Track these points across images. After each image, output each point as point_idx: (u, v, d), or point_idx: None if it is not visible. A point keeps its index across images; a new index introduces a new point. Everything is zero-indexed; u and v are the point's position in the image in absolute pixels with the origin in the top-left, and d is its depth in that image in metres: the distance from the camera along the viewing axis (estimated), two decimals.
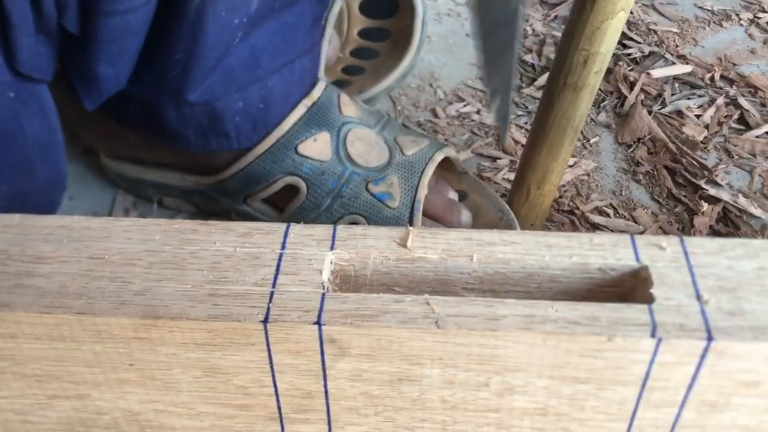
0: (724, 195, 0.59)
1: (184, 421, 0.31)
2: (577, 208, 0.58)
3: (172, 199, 0.57)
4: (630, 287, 0.29)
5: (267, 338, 0.27)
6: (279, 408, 0.30)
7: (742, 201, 0.58)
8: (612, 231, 0.57)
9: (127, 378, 0.29)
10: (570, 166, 0.62)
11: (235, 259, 0.29)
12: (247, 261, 0.29)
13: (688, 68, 0.70)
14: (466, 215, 0.55)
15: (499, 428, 0.30)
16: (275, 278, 0.28)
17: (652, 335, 0.26)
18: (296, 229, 0.30)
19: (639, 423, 0.29)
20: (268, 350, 0.28)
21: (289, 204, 0.52)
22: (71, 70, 0.45)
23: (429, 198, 0.54)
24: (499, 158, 0.63)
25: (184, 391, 0.29)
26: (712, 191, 0.59)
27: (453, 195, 0.57)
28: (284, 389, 0.29)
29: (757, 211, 0.58)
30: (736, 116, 0.66)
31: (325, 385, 0.29)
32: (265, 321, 0.27)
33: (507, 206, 0.54)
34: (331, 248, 0.29)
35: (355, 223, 0.52)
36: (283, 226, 0.30)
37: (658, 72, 0.70)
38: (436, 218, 0.54)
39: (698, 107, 0.67)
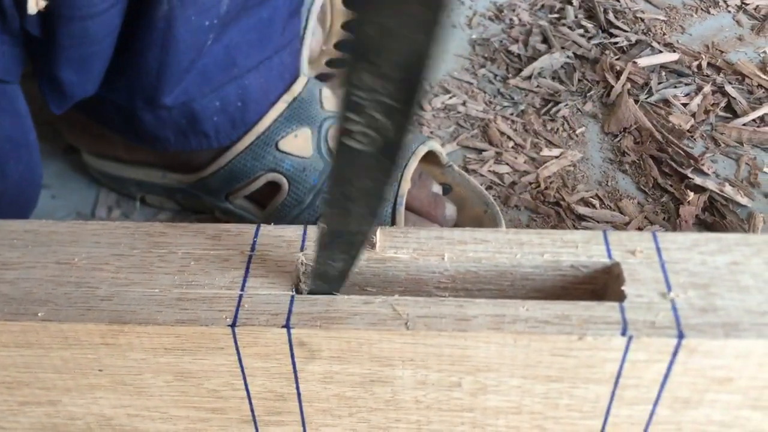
0: (711, 184, 0.58)
1: (157, 425, 0.31)
2: (563, 200, 0.58)
3: (155, 197, 0.56)
4: (602, 284, 0.29)
5: (236, 342, 0.27)
6: (252, 411, 0.30)
7: (728, 190, 0.58)
8: (598, 222, 0.57)
9: (98, 383, 0.29)
10: (556, 157, 0.62)
11: (203, 262, 0.29)
12: (216, 264, 0.29)
13: (675, 56, 0.70)
14: (450, 209, 0.54)
15: (473, 427, 0.30)
16: (244, 281, 0.28)
17: (623, 333, 0.25)
18: (266, 230, 0.30)
19: (613, 420, 0.29)
20: (238, 354, 0.27)
21: (271, 201, 0.52)
22: (38, 73, 0.45)
23: (413, 192, 0.53)
24: (485, 150, 0.63)
25: (156, 395, 0.29)
26: (698, 180, 0.59)
27: (437, 188, 0.57)
28: (256, 392, 0.29)
29: (743, 200, 0.57)
30: (723, 104, 0.66)
31: (298, 388, 0.29)
32: (233, 325, 0.26)
33: (492, 199, 0.54)
34: (302, 249, 0.29)
35: None
36: (253, 227, 0.30)
37: (645, 61, 0.69)
38: (420, 213, 0.54)
39: (685, 95, 0.67)
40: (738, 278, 0.27)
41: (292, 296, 0.27)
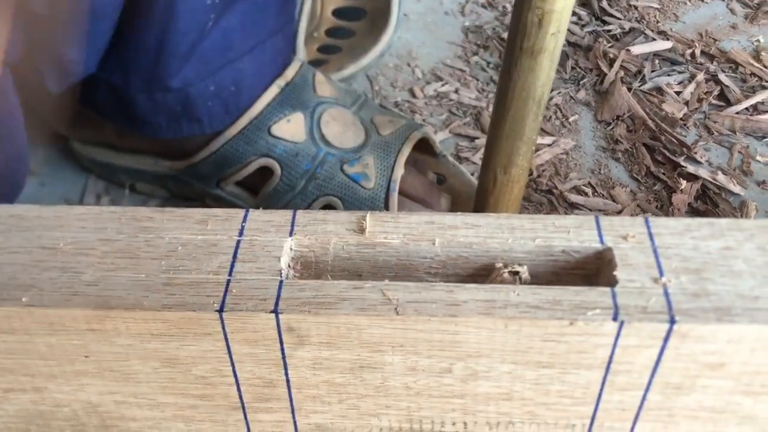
0: (703, 172, 0.58)
1: (144, 412, 0.30)
2: (555, 188, 0.58)
3: (145, 184, 0.56)
4: (594, 269, 0.28)
5: (224, 328, 0.27)
6: (241, 397, 0.29)
7: (721, 178, 0.58)
8: (590, 210, 0.57)
9: (84, 370, 0.29)
10: (548, 145, 0.61)
11: (191, 247, 0.28)
12: (203, 249, 0.28)
13: (668, 44, 0.70)
14: (445, 199, 0.54)
15: (464, 414, 0.29)
16: (232, 266, 0.27)
17: (614, 318, 0.25)
18: (254, 215, 0.29)
19: (605, 406, 0.28)
20: (226, 340, 0.27)
21: (264, 186, 0.52)
22: (38, 52, 0.44)
23: (408, 180, 0.53)
24: (477, 138, 0.62)
25: (143, 382, 0.29)
26: (691, 168, 0.58)
27: (432, 177, 0.56)
28: (245, 378, 0.29)
29: (735, 188, 0.57)
30: (716, 92, 0.65)
31: (287, 374, 0.28)
32: (221, 310, 0.26)
33: None
34: (290, 234, 0.29)
35: (330, 204, 0.51)
36: (241, 212, 0.29)
37: (638, 48, 0.69)
38: (416, 200, 0.54)
39: (678, 84, 0.66)
40: (730, 263, 0.27)
41: (281, 281, 0.27)
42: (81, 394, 0.30)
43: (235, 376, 0.28)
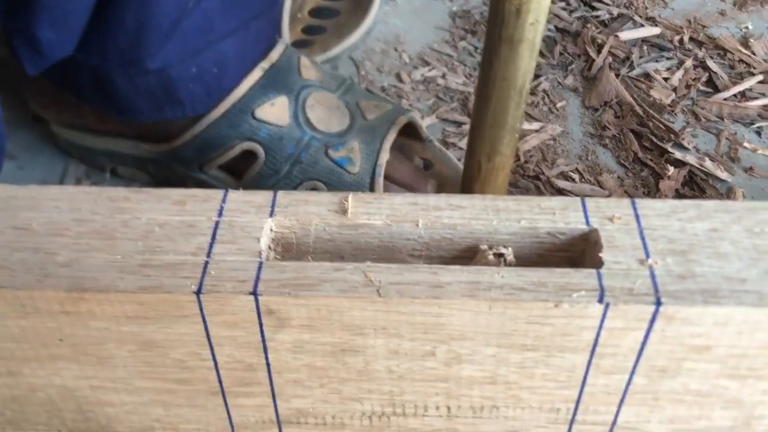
0: (691, 158, 0.58)
1: (122, 397, 0.30)
2: (543, 174, 0.58)
3: (126, 168, 0.55)
4: (580, 251, 0.28)
5: (201, 310, 0.26)
6: (220, 382, 0.29)
7: (708, 164, 0.58)
8: (577, 196, 0.56)
9: (59, 354, 0.28)
10: (536, 131, 0.61)
11: (168, 228, 0.27)
12: (181, 230, 0.27)
13: (656, 30, 0.69)
14: (431, 185, 0.53)
15: (448, 398, 0.29)
16: (210, 247, 0.27)
17: (600, 301, 0.25)
18: (234, 195, 0.29)
19: (590, 390, 0.28)
20: (204, 322, 0.26)
21: (247, 171, 0.51)
22: (13, 33, 0.43)
23: (395, 165, 0.53)
24: (464, 123, 0.62)
25: (120, 366, 0.28)
26: (678, 155, 0.58)
27: (418, 163, 0.56)
28: (224, 362, 0.28)
29: (723, 175, 0.57)
30: (704, 79, 0.65)
31: (267, 358, 0.28)
32: (199, 292, 0.25)
33: None
34: (271, 215, 0.28)
35: (314, 189, 0.50)
36: (220, 193, 0.29)
37: (627, 34, 0.69)
38: (402, 185, 0.53)
39: (666, 70, 0.66)
40: (717, 245, 0.26)
41: (261, 263, 0.26)
42: (56, 378, 0.29)
43: (214, 359, 0.28)
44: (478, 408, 0.29)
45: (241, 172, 0.51)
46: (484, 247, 0.28)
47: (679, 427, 0.29)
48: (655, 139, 0.60)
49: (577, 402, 0.29)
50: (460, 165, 0.54)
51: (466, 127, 0.61)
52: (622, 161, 0.59)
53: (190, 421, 0.31)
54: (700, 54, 0.67)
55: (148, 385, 0.29)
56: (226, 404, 0.30)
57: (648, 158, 0.59)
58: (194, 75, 0.47)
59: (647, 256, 0.26)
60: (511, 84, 0.37)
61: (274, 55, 0.52)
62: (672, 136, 0.60)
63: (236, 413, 0.30)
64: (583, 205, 0.28)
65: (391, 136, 0.52)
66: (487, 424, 0.30)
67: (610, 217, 0.27)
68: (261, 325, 0.26)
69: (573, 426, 0.30)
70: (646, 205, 0.28)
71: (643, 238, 0.27)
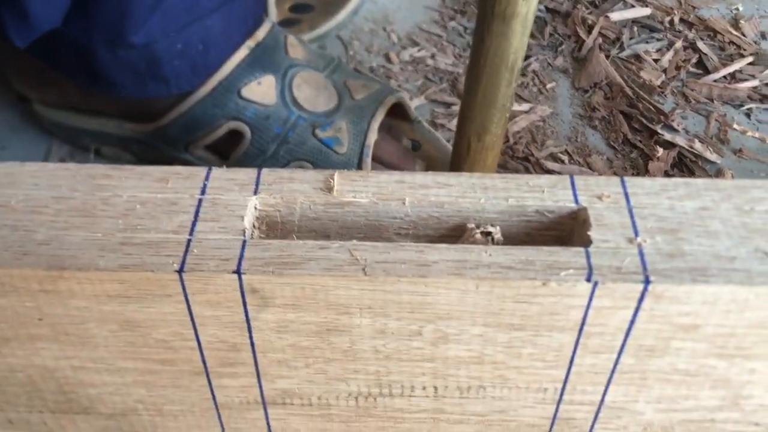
0: (680, 140, 0.58)
1: (104, 378, 0.29)
2: (532, 155, 0.57)
3: (110, 148, 0.54)
4: (568, 230, 0.28)
5: (184, 289, 0.25)
6: (204, 362, 0.28)
7: (697, 146, 0.57)
8: None
9: (39, 333, 0.27)
10: (525, 112, 0.61)
11: (150, 205, 0.27)
12: (163, 207, 0.27)
13: (647, 11, 0.69)
14: (419, 166, 0.53)
15: (434, 378, 0.29)
16: (193, 225, 0.26)
17: (588, 279, 0.24)
18: (217, 173, 0.28)
19: (577, 370, 0.28)
20: (187, 302, 0.26)
21: (234, 151, 0.50)
22: (1, 5, 0.42)
23: (382, 146, 0.52)
24: (453, 104, 0.61)
25: (101, 346, 0.28)
26: (668, 136, 0.58)
27: (406, 143, 0.55)
28: (208, 342, 0.28)
29: (712, 156, 0.57)
30: (694, 60, 0.65)
31: (251, 338, 0.27)
32: (181, 270, 0.25)
33: None
34: (255, 193, 0.27)
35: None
36: (204, 170, 0.28)
37: (617, 15, 0.68)
38: (390, 166, 0.52)
39: (656, 51, 0.66)
40: (707, 223, 0.26)
41: (244, 241, 0.26)
42: (36, 358, 0.28)
43: (198, 339, 0.27)
44: (465, 388, 0.29)
45: (228, 153, 0.51)
46: (471, 225, 0.27)
47: (667, 406, 0.29)
48: (644, 121, 0.59)
49: (565, 382, 0.28)
50: (449, 146, 0.53)
51: (455, 108, 0.61)
52: (612, 143, 0.58)
53: (173, 402, 0.30)
54: (691, 35, 0.67)
55: (131, 365, 0.29)
56: (210, 385, 0.29)
57: (637, 140, 0.58)
58: (179, 51, 0.46)
59: (636, 234, 0.26)
60: (503, 61, 0.37)
61: (261, 33, 0.51)
62: (662, 117, 0.59)
63: (220, 394, 0.30)
64: (572, 183, 0.28)
65: (380, 116, 0.51)
66: (474, 404, 0.30)
67: (599, 195, 0.27)
68: (245, 304, 0.26)
69: (560, 406, 0.29)
70: (635, 183, 0.27)
71: (632, 217, 0.26)
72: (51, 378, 0.29)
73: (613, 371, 0.28)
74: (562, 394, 0.29)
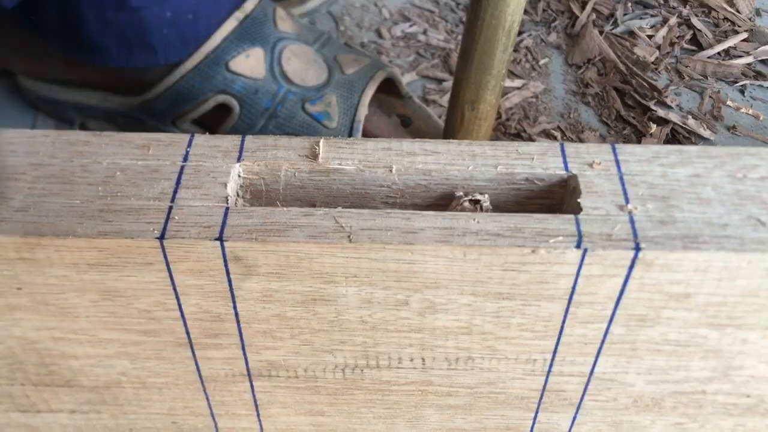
0: (674, 116, 0.57)
1: (86, 349, 0.29)
2: (524, 131, 0.57)
3: (96, 122, 0.53)
4: (558, 198, 0.27)
5: (165, 257, 0.25)
6: (188, 333, 0.28)
7: (691, 122, 0.57)
8: None
9: (18, 303, 0.27)
10: (518, 89, 0.60)
11: (130, 172, 0.26)
12: (144, 174, 0.26)
13: None
14: None
15: (422, 349, 0.28)
16: (175, 192, 0.26)
17: (578, 246, 0.24)
18: (200, 140, 0.27)
19: (567, 340, 0.27)
20: (169, 270, 0.25)
21: (222, 125, 0.49)
22: None
23: (373, 121, 0.51)
24: (445, 80, 0.60)
25: (82, 316, 0.27)
26: (661, 112, 0.57)
27: (396, 119, 0.55)
28: (191, 312, 0.27)
29: (705, 133, 0.56)
30: (688, 37, 0.64)
31: (235, 308, 0.27)
32: (162, 237, 0.24)
33: None
34: (239, 160, 0.27)
35: None
36: (186, 137, 0.27)
37: None
38: None
39: (651, 27, 0.65)
40: (699, 190, 0.26)
41: (227, 208, 0.25)
42: (16, 329, 0.28)
43: (181, 309, 0.27)
44: (453, 360, 0.29)
45: (215, 127, 0.50)
46: (459, 193, 0.27)
47: (658, 378, 0.29)
48: (638, 97, 0.59)
49: (554, 353, 0.28)
50: (441, 121, 0.53)
51: (447, 84, 0.60)
52: (605, 119, 0.58)
53: (158, 374, 0.30)
54: (685, 11, 0.66)
55: (113, 336, 0.28)
56: (194, 356, 0.29)
57: (631, 116, 0.58)
58: (169, 20, 0.45)
59: (627, 201, 0.25)
60: (500, 23, 0.36)
61: (249, 5, 0.50)
62: (655, 94, 0.59)
63: (205, 366, 0.29)
64: (562, 150, 0.27)
65: (370, 91, 0.51)
66: (463, 376, 0.29)
67: (590, 162, 0.27)
68: (228, 273, 0.25)
69: (549, 377, 0.29)
70: (626, 150, 0.27)
71: (623, 184, 0.26)
72: (32, 350, 0.29)
73: (603, 342, 0.27)
74: (551, 366, 0.29)
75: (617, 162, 0.27)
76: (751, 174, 0.26)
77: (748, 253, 0.24)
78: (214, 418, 0.32)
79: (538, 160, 0.27)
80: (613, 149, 0.27)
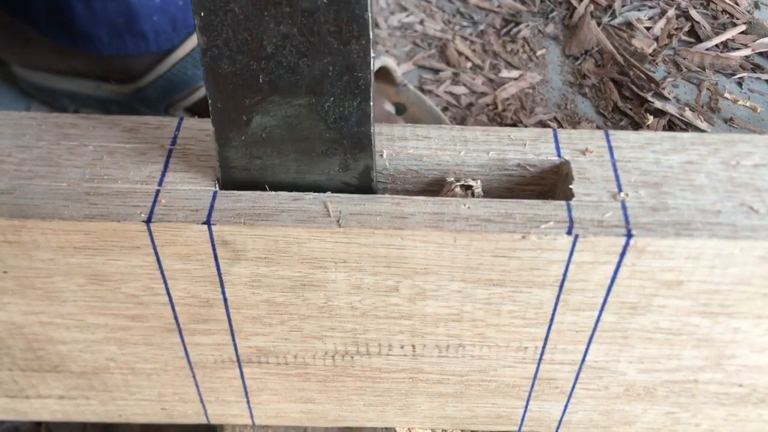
0: (671, 108, 0.57)
1: (74, 334, 0.28)
2: (520, 122, 0.56)
3: (89, 110, 0.53)
4: (550, 185, 0.27)
5: (152, 240, 0.25)
6: (176, 318, 0.28)
7: (688, 114, 0.57)
8: None
9: (4, 287, 0.26)
10: (515, 79, 0.60)
11: (118, 155, 0.26)
12: (131, 158, 0.26)
13: None
14: None
15: (412, 336, 0.28)
16: (162, 176, 0.25)
17: (569, 232, 0.24)
18: (189, 123, 0.27)
19: (558, 327, 0.27)
20: (156, 254, 0.25)
21: None
22: None
23: None
24: (442, 70, 0.60)
25: (69, 300, 0.27)
26: (658, 104, 0.57)
27: (390, 108, 0.54)
28: (179, 297, 0.27)
29: (703, 125, 0.56)
30: (686, 28, 0.64)
31: (224, 293, 0.27)
32: (149, 221, 0.24)
33: (447, 120, 0.52)
34: None
35: None
36: (175, 120, 0.27)
37: None
38: None
39: (649, 19, 0.65)
40: (692, 177, 0.25)
41: (215, 192, 0.25)
42: (2, 314, 0.28)
43: (169, 294, 0.27)
44: (444, 347, 0.28)
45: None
46: (451, 179, 0.27)
47: (649, 366, 0.29)
48: (635, 89, 0.58)
49: (545, 340, 0.28)
50: (435, 107, 0.52)
51: (444, 75, 0.60)
52: (602, 110, 0.58)
53: (146, 360, 0.30)
54: (683, 3, 0.66)
55: (101, 321, 0.28)
56: (183, 342, 0.29)
57: (628, 107, 0.58)
58: (158, 6, 0.45)
59: (619, 188, 0.25)
60: None
61: None
62: (653, 85, 0.58)
63: (194, 352, 0.29)
64: (555, 136, 0.27)
65: None
66: (453, 363, 0.29)
67: (583, 149, 0.26)
68: (216, 257, 0.25)
69: (541, 365, 0.29)
70: (619, 136, 0.27)
71: (615, 170, 0.26)
72: (19, 334, 0.29)
73: (594, 329, 0.27)
74: (542, 354, 0.28)
75: (610, 148, 0.26)
76: (745, 161, 0.26)
77: (741, 241, 0.24)
78: (203, 405, 0.32)
79: (530, 146, 0.27)
80: (607, 136, 0.27)
